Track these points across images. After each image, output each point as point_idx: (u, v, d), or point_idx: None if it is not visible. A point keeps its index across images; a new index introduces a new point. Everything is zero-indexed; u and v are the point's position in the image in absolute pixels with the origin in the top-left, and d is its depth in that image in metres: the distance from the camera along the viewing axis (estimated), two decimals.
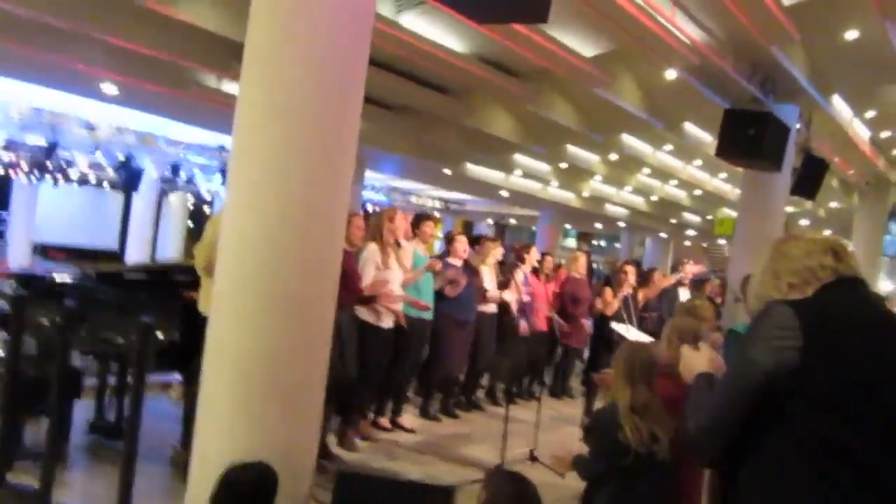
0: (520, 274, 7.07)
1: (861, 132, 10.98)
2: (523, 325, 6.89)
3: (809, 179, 9.49)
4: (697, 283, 8.77)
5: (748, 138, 7.89)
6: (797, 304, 1.70)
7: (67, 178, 16.21)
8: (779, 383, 1.62)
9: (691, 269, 8.30)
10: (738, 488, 1.74)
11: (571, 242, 29.45)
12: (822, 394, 1.61)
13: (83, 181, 16.63)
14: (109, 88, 9.36)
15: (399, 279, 5.47)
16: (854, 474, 1.60)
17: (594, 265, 10.75)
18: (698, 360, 2.00)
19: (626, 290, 6.89)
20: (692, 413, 1.77)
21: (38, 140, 14.06)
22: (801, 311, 1.67)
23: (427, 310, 5.68)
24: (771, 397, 1.64)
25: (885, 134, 11.51)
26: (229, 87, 8.95)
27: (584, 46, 7.78)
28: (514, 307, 6.85)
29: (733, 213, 13.52)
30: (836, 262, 1.80)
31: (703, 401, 1.80)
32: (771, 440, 1.66)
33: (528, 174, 14.98)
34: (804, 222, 19.03)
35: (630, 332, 5.94)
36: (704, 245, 26.11)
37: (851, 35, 7.28)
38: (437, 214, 22.76)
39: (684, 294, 7.98)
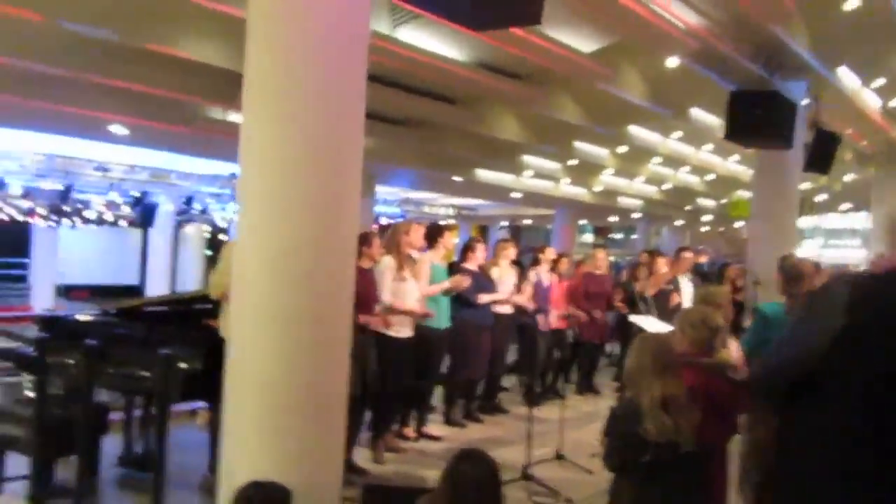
0: (533, 275, 7.07)
1: (871, 101, 10.85)
2: (541, 320, 6.92)
3: (822, 154, 9.39)
4: (721, 268, 8.69)
5: (756, 118, 7.85)
6: (856, 283, 1.69)
7: (85, 220, 16.47)
8: (821, 356, 1.61)
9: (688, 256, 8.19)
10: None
11: (589, 238, 29.32)
12: (851, 380, 1.57)
13: (100, 221, 16.88)
14: (119, 130, 9.50)
15: (415, 291, 5.49)
16: (876, 463, 1.55)
17: (611, 258, 10.72)
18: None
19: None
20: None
21: (53, 185, 14.31)
22: (855, 290, 1.64)
23: (431, 317, 5.68)
24: (810, 373, 1.63)
25: (895, 102, 11.36)
26: (235, 117, 9.04)
27: (582, 43, 7.77)
28: (528, 306, 6.87)
29: (748, 195, 13.41)
30: None
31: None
32: (803, 415, 1.67)
33: (538, 174, 14.96)
34: (821, 198, 18.81)
35: (649, 323, 5.90)
36: (721, 230, 25.88)
37: (851, 5, 7.19)
38: (451, 222, 22.81)
39: (685, 282, 7.90)
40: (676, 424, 2.58)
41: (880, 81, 10.25)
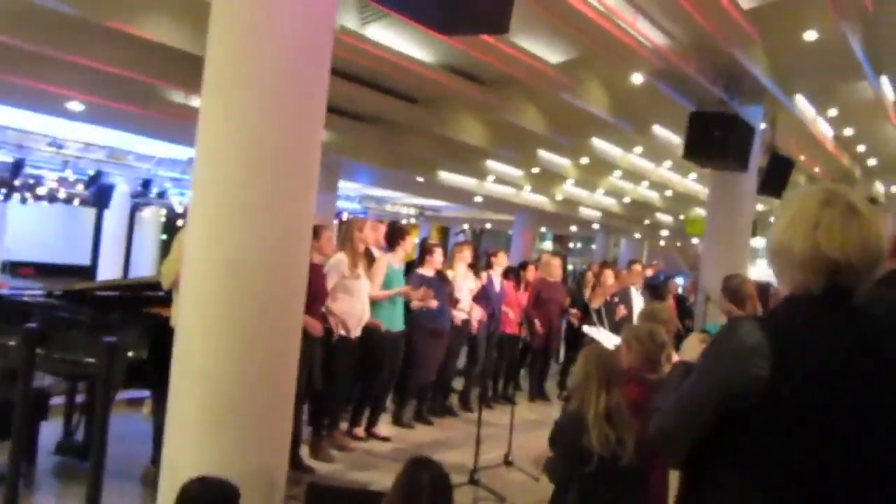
0: (484, 276, 7.14)
1: (825, 130, 11.20)
2: (475, 325, 6.90)
3: (776, 178, 9.66)
4: (664, 282, 8.92)
5: (714, 140, 8.03)
6: (768, 326, 1.51)
7: (36, 196, 16.01)
8: (737, 409, 1.49)
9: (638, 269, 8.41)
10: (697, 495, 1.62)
11: (548, 245, 29.59)
12: (782, 429, 1.48)
13: (53, 198, 16.42)
14: (76, 106, 9.28)
15: (366, 288, 5.47)
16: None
17: (570, 266, 10.99)
18: (691, 348, 1.93)
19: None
20: (659, 404, 1.69)
21: (3, 157, 13.87)
22: (772, 334, 1.49)
23: (378, 327, 5.67)
24: (729, 419, 1.51)
25: (847, 131, 11.74)
26: (196, 101, 8.88)
27: (549, 53, 7.86)
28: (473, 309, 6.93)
29: (704, 213, 13.74)
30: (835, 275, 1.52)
31: (668, 395, 1.69)
32: (726, 458, 1.55)
33: (501, 180, 15.06)
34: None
35: (601, 334, 6.00)
36: (678, 245, 26.40)
37: (810, 36, 7.43)
38: (412, 221, 22.79)
39: (636, 294, 8.07)
40: (619, 437, 2.64)
41: (833, 112, 10.60)
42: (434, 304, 6.05)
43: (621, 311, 7.59)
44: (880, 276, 2.13)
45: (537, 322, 7.73)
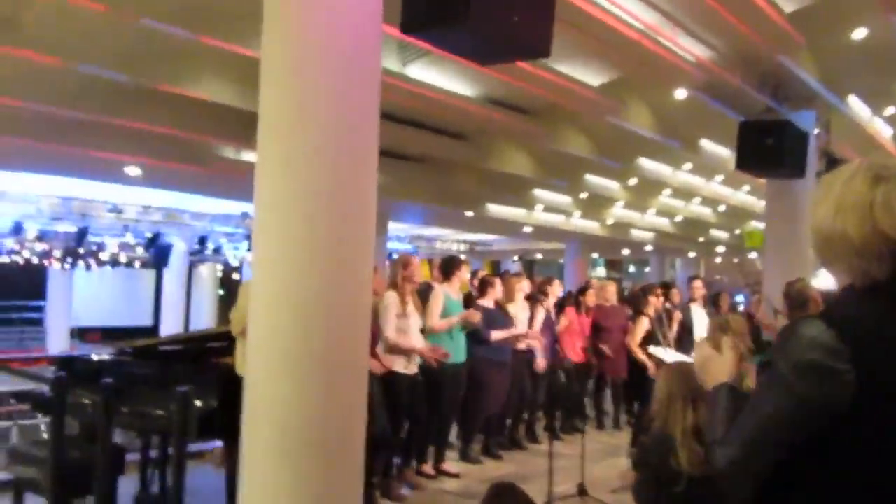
0: (541, 311, 7.02)
1: (883, 130, 10.84)
2: (540, 362, 6.85)
3: None
4: (716, 296, 8.69)
5: (767, 148, 7.84)
6: (840, 325, 1.31)
7: (99, 262, 16.60)
8: (822, 423, 1.30)
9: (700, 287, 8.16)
10: None
11: (601, 272, 29.21)
12: (869, 445, 1.30)
13: (115, 263, 17.01)
14: (133, 171, 9.62)
15: (418, 325, 5.44)
16: None
17: (624, 292, 10.82)
18: (720, 366, 1.66)
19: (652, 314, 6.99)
20: (720, 436, 1.45)
21: (68, 227, 14.46)
22: (849, 333, 1.30)
23: (447, 357, 5.60)
24: (811, 439, 1.32)
25: None
26: (248, 156, 9.14)
27: (590, 77, 7.85)
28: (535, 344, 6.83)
29: (761, 226, 13.36)
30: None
31: (726, 419, 1.47)
32: (809, 487, 1.36)
33: (549, 208, 14.99)
34: None
35: (668, 355, 5.83)
36: (736, 260, 25.75)
37: (859, 34, 7.23)
38: (463, 257, 22.81)
39: (698, 311, 7.82)
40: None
41: (891, 110, 10.26)
42: (477, 317, 5.93)
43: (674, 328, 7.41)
44: None
45: (605, 347, 7.57)
